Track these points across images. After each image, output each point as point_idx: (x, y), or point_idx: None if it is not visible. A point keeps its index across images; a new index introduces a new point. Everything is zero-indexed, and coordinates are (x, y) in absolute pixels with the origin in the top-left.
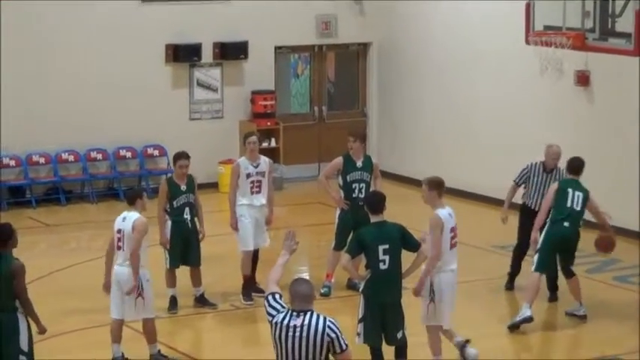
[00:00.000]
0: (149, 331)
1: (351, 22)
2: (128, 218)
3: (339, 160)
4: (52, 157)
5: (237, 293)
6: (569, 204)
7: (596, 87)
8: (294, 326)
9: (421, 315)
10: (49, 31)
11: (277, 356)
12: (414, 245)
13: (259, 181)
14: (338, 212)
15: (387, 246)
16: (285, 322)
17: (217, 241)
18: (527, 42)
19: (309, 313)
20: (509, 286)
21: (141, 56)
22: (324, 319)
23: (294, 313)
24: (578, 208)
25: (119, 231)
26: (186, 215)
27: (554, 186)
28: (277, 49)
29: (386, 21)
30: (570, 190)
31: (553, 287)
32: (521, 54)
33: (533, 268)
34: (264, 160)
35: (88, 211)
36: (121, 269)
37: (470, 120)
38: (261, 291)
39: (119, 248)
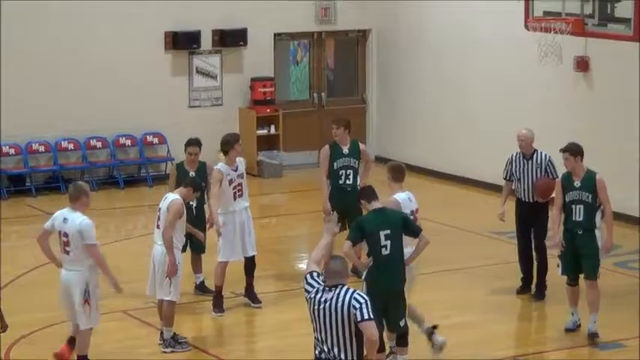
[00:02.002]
0: (169, 314)
1: (350, 9)
2: (168, 198)
3: (326, 150)
4: (51, 145)
5: (237, 281)
6: None
7: (596, 72)
8: (325, 300)
9: None
10: (48, 19)
11: (314, 330)
12: (415, 231)
13: (240, 184)
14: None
15: (388, 231)
16: (318, 296)
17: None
18: (527, 28)
19: (339, 287)
20: (525, 289)
21: (140, 44)
22: (353, 291)
23: (327, 288)
24: None
25: (159, 209)
26: (192, 202)
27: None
28: (276, 36)
29: (385, 8)
30: None
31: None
32: (521, 40)
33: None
34: (240, 161)
35: None
36: (156, 248)
37: (469, 106)
38: (258, 300)
39: (158, 227)
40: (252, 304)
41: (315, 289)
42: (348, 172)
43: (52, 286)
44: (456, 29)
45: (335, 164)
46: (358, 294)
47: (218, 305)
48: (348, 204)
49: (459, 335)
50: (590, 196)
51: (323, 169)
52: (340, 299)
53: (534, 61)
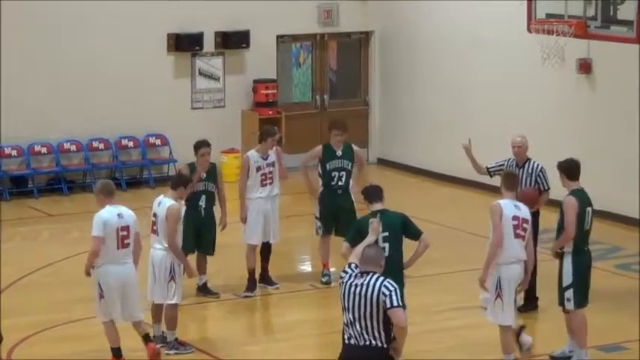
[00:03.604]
0: (171, 316)
1: (353, 11)
2: (163, 203)
3: (318, 149)
4: (54, 147)
5: (239, 283)
6: (587, 226)
7: (598, 75)
8: (356, 284)
9: (487, 312)
10: (50, 21)
11: (343, 313)
12: (414, 233)
13: (271, 172)
14: (317, 201)
15: (386, 233)
16: (350, 281)
17: (222, 231)
18: (529, 30)
19: (370, 274)
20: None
21: (143, 45)
22: (383, 279)
23: (359, 274)
24: (589, 227)
25: (154, 215)
26: (202, 203)
27: (575, 203)
28: (279, 38)
29: (388, 9)
30: (588, 209)
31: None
32: (524, 42)
33: (573, 307)
34: (272, 151)
35: (90, 200)
36: (155, 252)
37: (472, 109)
38: (274, 283)
39: (154, 232)
40: (269, 287)
41: (348, 275)
42: (341, 174)
43: (54, 288)
44: (458, 31)
45: (328, 165)
46: (388, 282)
47: (249, 287)
48: (338, 206)
49: (464, 337)
50: (560, 218)
51: (305, 157)
52: (370, 286)
53: (537, 63)
